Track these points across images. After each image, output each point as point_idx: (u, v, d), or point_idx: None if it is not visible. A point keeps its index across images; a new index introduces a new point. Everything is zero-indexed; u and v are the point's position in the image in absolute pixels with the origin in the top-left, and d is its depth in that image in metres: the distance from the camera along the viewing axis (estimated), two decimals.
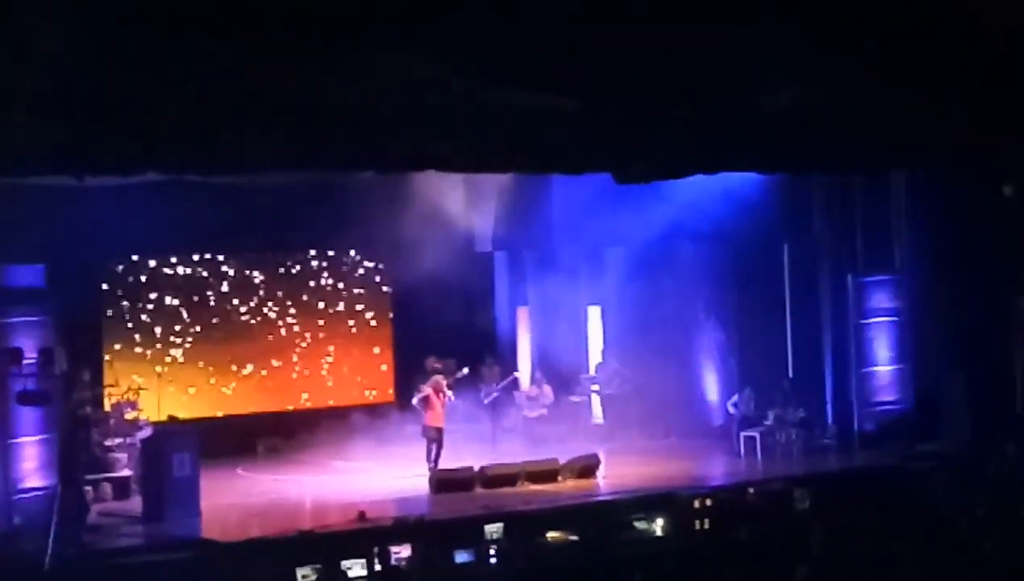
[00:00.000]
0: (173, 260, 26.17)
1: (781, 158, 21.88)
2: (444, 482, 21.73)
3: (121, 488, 21.58)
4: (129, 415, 22.93)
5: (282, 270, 27.23)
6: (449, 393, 23.03)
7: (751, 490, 20.86)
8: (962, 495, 19.79)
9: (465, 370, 24.53)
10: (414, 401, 23.16)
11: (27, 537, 18.11)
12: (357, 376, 27.83)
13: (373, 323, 28.09)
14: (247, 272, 26.87)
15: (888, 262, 24.98)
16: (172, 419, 22.52)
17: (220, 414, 26.09)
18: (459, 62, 18.18)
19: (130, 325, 25.74)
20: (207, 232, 25.04)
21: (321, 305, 27.56)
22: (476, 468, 22.14)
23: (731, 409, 25.06)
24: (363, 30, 17.48)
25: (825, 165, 22.76)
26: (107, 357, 25.15)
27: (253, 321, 26.89)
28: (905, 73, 20.18)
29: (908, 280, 24.88)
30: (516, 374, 27.46)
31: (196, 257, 26.35)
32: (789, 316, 25.23)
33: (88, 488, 20.49)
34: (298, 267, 27.42)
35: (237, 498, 21.95)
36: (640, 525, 19.87)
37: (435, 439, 22.63)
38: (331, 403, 27.13)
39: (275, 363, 27.02)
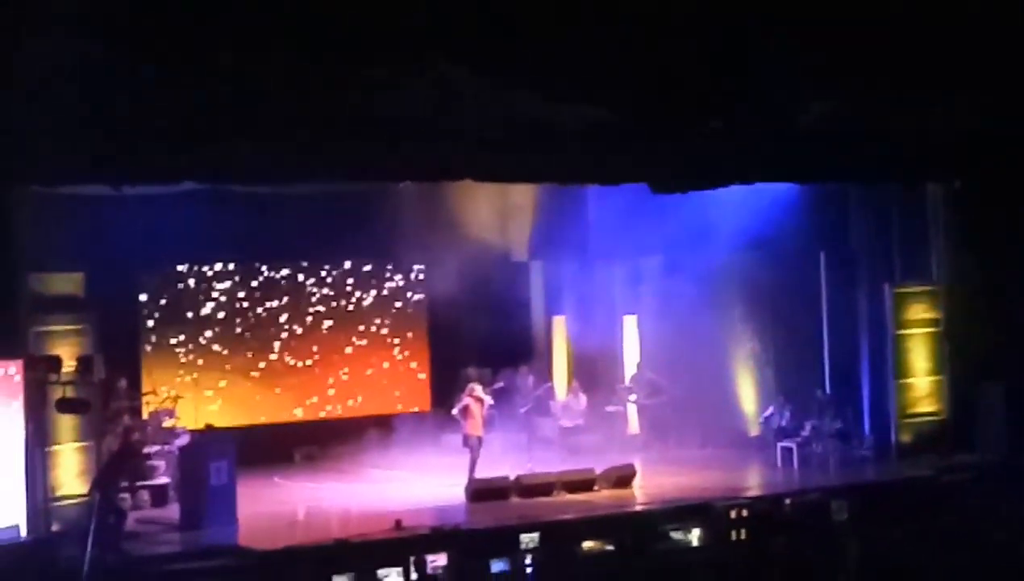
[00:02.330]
0: (211, 269, 26.31)
1: (816, 169, 21.87)
2: (480, 491, 21.74)
3: (159, 496, 21.64)
4: (167, 423, 23.01)
5: (319, 279, 27.31)
6: (488, 399, 22.93)
7: (788, 501, 20.79)
8: (999, 507, 19.70)
9: (500, 383, 24.49)
10: (454, 412, 23.00)
11: (65, 544, 18.18)
12: (394, 385, 27.90)
13: (410, 332, 28.15)
14: (284, 281, 26.98)
15: (925, 272, 24.88)
16: (209, 427, 22.58)
17: (257, 422, 26.16)
18: (496, 74, 18.23)
19: (168, 334, 25.88)
20: (244, 241, 25.16)
21: (358, 314, 27.64)
22: (512, 477, 22.14)
23: (760, 421, 25.07)
24: (401, 42, 17.55)
25: (861, 177, 22.73)
26: (145, 366, 25.30)
27: (290, 330, 26.98)
28: (942, 86, 20.14)
29: (945, 291, 24.77)
30: (549, 383, 27.50)
31: (233, 266, 26.46)
32: (826, 326, 25.13)
33: (126, 495, 20.55)
34: (335, 276, 27.49)
35: (273, 506, 21.98)
36: (676, 535, 19.84)
37: (476, 447, 22.57)
38: (368, 412, 27.17)
39: (312, 372, 27.12)
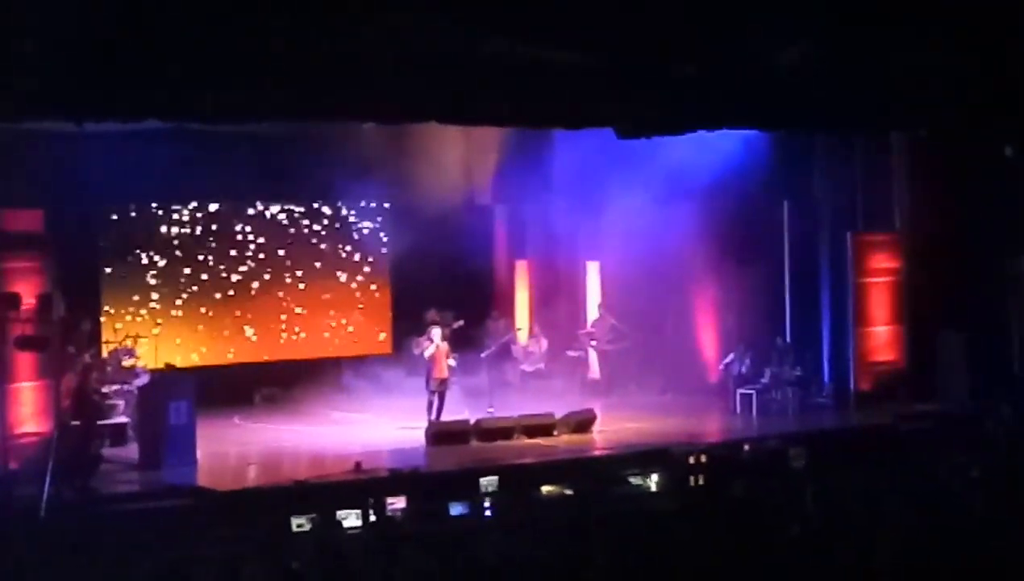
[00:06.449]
0: (171, 208, 26.13)
1: (783, 116, 21.80)
2: (440, 434, 21.76)
3: (118, 435, 21.61)
4: (127, 362, 22.95)
5: (281, 220, 27.19)
6: (444, 346, 22.79)
7: (746, 447, 20.88)
8: (957, 456, 19.79)
9: (460, 322, 24.45)
10: (425, 355, 22.87)
11: (23, 482, 18.12)
12: (355, 327, 27.86)
13: (372, 274, 28.08)
14: (245, 222, 26.84)
15: (888, 221, 24.96)
16: (169, 367, 22.48)
17: (217, 363, 26.09)
18: (461, 14, 18.11)
19: (128, 272, 25.73)
20: (206, 181, 25.05)
21: (320, 256, 27.54)
22: (472, 421, 22.17)
23: (720, 368, 25.16)
24: None
25: (827, 124, 22.68)
26: (104, 304, 25.17)
27: (252, 271, 26.87)
28: (908, 33, 20.12)
29: (907, 239, 24.86)
30: (517, 329, 27.51)
31: (194, 205, 26.30)
32: (788, 274, 25.23)
33: (101, 440, 20.47)
34: (297, 217, 27.37)
35: (233, 447, 22.01)
36: (635, 480, 19.91)
37: (440, 391, 22.54)
38: (329, 354, 27.14)
39: (273, 313, 27.04)
